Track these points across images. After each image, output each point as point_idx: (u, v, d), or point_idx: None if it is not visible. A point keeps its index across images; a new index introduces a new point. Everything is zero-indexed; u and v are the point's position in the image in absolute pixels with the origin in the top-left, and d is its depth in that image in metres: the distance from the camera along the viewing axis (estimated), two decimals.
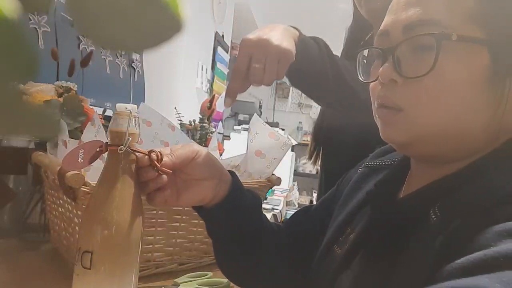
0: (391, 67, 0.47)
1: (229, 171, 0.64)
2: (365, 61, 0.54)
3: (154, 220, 0.75)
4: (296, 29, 0.78)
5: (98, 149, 0.53)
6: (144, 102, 2.06)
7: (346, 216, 0.61)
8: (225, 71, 3.45)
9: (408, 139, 0.48)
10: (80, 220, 0.64)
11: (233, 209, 0.61)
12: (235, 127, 3.33)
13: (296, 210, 0.77)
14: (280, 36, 0.69)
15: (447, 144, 0.47)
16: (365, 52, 0.54)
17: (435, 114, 0.45)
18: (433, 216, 0.43)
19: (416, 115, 0.46)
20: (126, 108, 0.51)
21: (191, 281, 0.72)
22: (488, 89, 0.44)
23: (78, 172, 0.63)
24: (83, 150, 0.53)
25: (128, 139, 0.51)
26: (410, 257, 0.44)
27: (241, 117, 4.94)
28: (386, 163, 0.62)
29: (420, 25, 0.46)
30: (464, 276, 0.34)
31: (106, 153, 0.53)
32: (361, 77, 0.54)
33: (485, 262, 0.33)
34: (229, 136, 2.74)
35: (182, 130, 1.03)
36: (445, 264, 0.37)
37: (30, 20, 1.24)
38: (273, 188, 1.07)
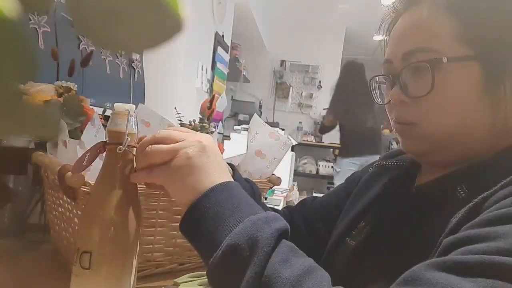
0: (398, 90, 0.55)
1: (229, 164, 0.66)
2: (378, 85, 0.63)
3: (154, 220, 0.75)
4: None
5: (97, 150, 0.53)
6: (144, 102, 2.06)
7: (359, 211, 0.65)
8: (225, 71, 3.45)
9: (424, 149, 0.55)
10: (79, 220, 0.64)
11: None
12: (235, 127, 3.33)
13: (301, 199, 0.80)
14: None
15: (458, 149, 0.53)
16: (377, 78, 0.62)
17: (443, 124, 0.52)
18: (461, 192, 0.49)
19: (427, 127, 0.53)
20: (124, 108, 0.51)
21: (191, 281, 0.72)
22: (485, 96, 0.51)
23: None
24: (89, 153, 0.53)
25: (127, 139, 0.51)
26: (435, 231, 0.47)
27: (241, 117, 4.93)
28: (397, 163, 0.68)
29: (415, 52, 0.53)
30: (484, 226, 0.40)
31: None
32: (376, 100, 0.62)
33: (501, 216, 0.39)
34: (229, 136, 2.74)
35: None
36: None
37: (30, 20, 1.24)
38: (273, 188, 1.07)
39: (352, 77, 3.25)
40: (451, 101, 0.51)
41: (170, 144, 0.50)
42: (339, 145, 3.58)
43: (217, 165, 0.51)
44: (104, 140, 0.53)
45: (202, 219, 0.46)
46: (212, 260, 0.43)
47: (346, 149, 3.37)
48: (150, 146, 0.50)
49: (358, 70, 3.30)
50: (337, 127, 3.50)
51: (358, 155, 3.24)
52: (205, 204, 0.46)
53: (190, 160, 0.48)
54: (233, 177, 0.65)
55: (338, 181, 3.42)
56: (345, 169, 3.32)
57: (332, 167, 4.77)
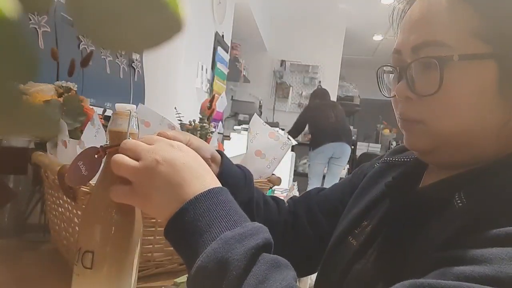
0: (404, 85, 0.51)
1: (217, 151, 0.66)
2: (384, 76, 0.59)
3: (154, 220, 0.75)
4: None
5: (96, 156, 0.52)
6: (144, 102, 2.06)
7: (362, 209, 0.64)
8: (225, 71, 3.45)
9: (428, 147, 0.52)
10: (80, 220, 0.64)
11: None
12: (235, 127, 3.33)
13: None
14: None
15: (463, 151, 0.50)
16: (385, 68, 0.58)
17: (450, 125, 0.49)
18: (459, 201, 0.46)
19: (432, 126, 0.50)
20: (126, 109, 0.51)
21: None
22: (499, 99, 0.47)
23: None
24: (81, 161, 0.53)
25: (129, 139, 0.51)
26: (429, 239, 0.46)
27: (241, 117, 4.94)
28: (403, 159, 0.66)
29: (426, 46, 0.49)
30: (473, 246, 0.38)
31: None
32: (383, 92, 0.58)
33: (498, 237, 0.38)
34: (229, 136, 2.74)
35: (182, 130, 1.03)
36: (461, 241, 0.41)
37: (30, 20, 1.24)
38: (273, 188, 1.07)
39: (316, 97, 4.55)
40: (460, 101, 0.48)
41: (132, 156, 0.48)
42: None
43: (194, 170, 0.48)
44: (99, 145, 0.52)
45: (181, 233, 0.45)
46: (188, 277, 0.43)
47: (314, 143, 4.36)
48: (114, 157, 0.48)
49: (320, 91, 4.65)
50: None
51: (321, 144, 4.27)
52: (183, 218, 0.45)
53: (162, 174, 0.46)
54: (221, 164, 0.65)
55: (311, 175, 4.51)
56: (313, 162, 4.43)
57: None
